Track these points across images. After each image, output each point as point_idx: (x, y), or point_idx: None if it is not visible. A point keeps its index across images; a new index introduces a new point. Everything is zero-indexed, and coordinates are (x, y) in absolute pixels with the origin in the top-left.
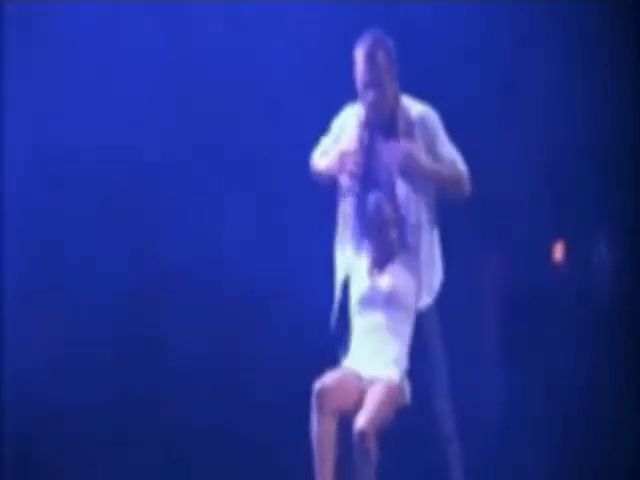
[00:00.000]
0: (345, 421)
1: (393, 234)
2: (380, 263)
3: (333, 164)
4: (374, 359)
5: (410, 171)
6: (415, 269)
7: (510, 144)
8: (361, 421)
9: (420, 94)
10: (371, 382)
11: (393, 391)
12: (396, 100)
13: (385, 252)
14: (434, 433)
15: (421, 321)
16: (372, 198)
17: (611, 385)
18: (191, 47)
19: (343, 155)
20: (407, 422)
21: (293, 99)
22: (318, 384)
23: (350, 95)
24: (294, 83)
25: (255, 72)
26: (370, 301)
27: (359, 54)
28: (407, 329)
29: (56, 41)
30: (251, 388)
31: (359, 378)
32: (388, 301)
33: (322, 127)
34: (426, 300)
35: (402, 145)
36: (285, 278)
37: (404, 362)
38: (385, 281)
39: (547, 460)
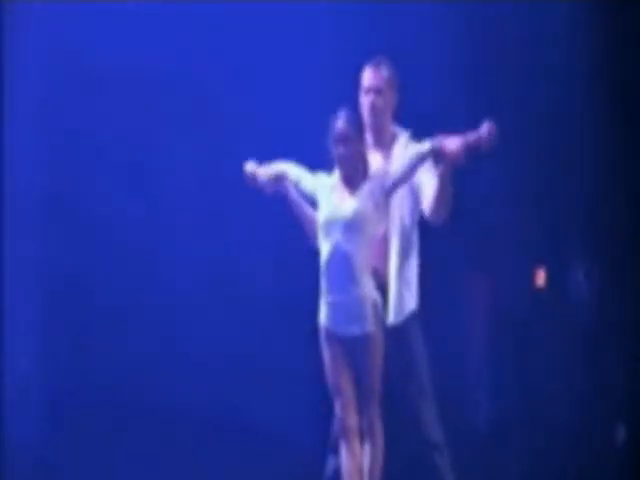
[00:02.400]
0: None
1: (357, 154)
2: (346, 182)
3: None
4: (344, 318)
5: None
6: (380, 199)
7: (493, 171)
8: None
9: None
10: (348, 341)
11: (375, 349)
12: (392, 113)
13: (351, 171)
14: (422, 441)
15: (405, 334)
16: (341, 113)
17: (590, 403)
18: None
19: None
20: (395, 430)
21: (293, 102)
22: (340, 423)
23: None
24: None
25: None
26: (332, 224)
27: (367, 69)
28: (366, 254)
29: (55, 41)
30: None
31: (340, 350)
32: (348, 226)
33: (321, 132)
34: (393, 319)
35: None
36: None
37: (370, 291)
38: (348, 204)
39: (530, 469)
